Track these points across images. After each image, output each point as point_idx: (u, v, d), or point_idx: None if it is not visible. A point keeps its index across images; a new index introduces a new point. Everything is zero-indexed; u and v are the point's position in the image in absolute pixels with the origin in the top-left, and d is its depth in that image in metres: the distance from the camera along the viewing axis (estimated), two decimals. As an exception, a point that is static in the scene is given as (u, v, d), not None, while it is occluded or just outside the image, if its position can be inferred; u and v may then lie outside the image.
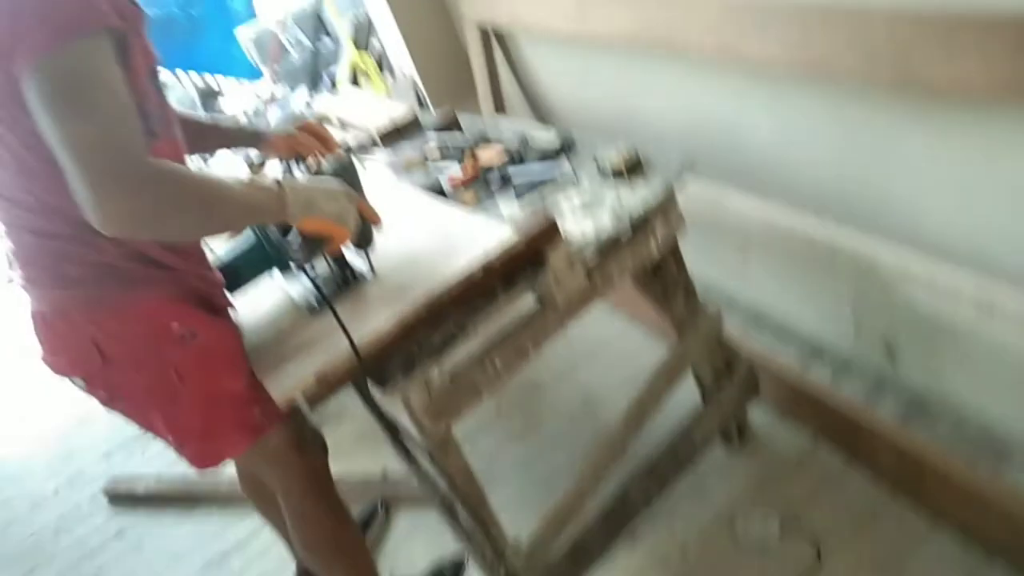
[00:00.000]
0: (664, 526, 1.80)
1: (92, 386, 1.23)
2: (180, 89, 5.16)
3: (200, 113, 1.56)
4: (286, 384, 1.20)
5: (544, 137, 1.78)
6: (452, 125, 2.05)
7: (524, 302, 1.34)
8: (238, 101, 6.23)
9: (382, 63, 3.71)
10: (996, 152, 1.31)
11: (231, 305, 1.35)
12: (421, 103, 3.08)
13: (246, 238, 1.38)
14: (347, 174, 1.32)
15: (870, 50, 1.33)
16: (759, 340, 2.10)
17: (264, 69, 5.32)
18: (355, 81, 3.73)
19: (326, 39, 5.14)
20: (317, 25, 4.92)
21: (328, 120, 2.52)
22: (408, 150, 2.03)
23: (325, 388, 1.20)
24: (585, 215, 1.45)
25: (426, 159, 1.91)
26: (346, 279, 1.40)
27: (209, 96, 5.52)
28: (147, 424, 1.30)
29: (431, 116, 2.17)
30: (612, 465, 1.60)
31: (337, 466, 1.58)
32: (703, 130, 1.96)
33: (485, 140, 1.87)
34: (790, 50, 1.48)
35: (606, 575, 1.73)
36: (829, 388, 1.82)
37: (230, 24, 5.50)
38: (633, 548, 1.78)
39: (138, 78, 1.07)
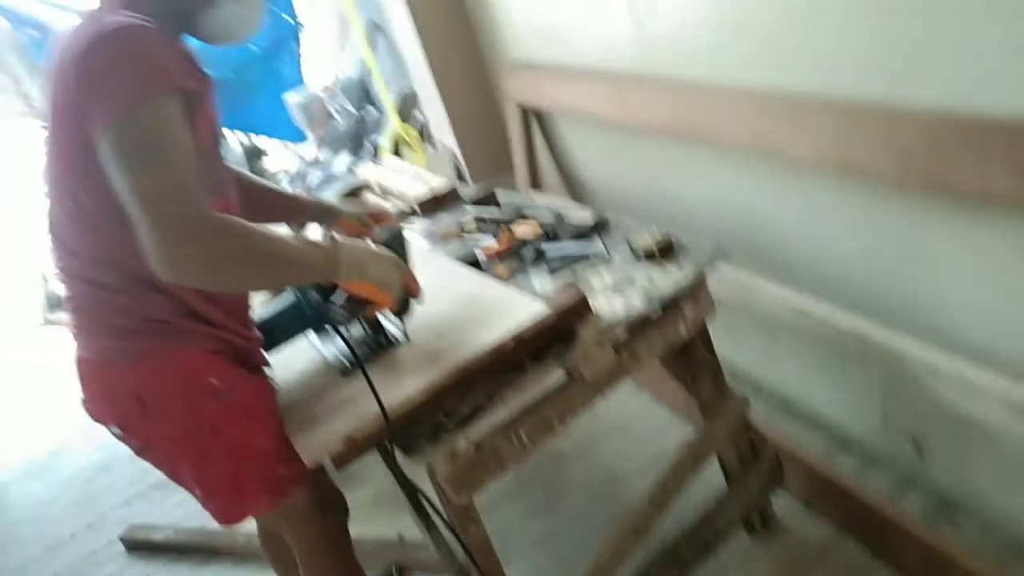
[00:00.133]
0: (683, 614, 1.75)
1: (128, 435, 1.26)
2: (227, 147, 5.37)
3: (273, 183, 1.64)
4: (315, 445, 1.22)
5: (579, 215, 1.83)
6: (489, 199, 2.11)
7: (552, 377, 1.36)
8: (281, 162, 6.45)
9: (424, 134, 3.84)
10: (1025, 258, 1.32)
11: (267, 363, 1.39)
12: (460, 176, 3.17)
13: (286, 298, 1.43)
14: (398, 245, 1.37)
15: (902, 152, 1.36)
16: (786, 428, 2.09)
17: (309, 133, 5.52)
18: (396, 151, 3.85)
19: (371, 108, 5.34)
20: (362, 95, 5.13)
21: (369, 187, 2.61)
22: (445, 221, 2.09)
23: (352, 451, 1.23)
24: (616, 294, 1.48)
25: (462, 230, 1.97)
26: (380, 343, 1.44)
27: (254, 155, 5.72)
28: (176, 475, 1.32)
29: (469, 189, 2.24)
30: (633, 546, 1.59)
31: (354, 529, 1.59)
32: (736, 218, 1.99)
33: (521, 215, 1.93)
34: (823, 148, 1.52)
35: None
36: (856, 480, 1.79)
37: (280, 89, 5.72)
38: (650, 635, 1.74)
39: (201, 139, 1.14)
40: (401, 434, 1.25)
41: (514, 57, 2.77)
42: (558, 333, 1.35)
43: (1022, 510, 1.58)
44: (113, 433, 1.26)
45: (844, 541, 1.79)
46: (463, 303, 1.47)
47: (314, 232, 1.65)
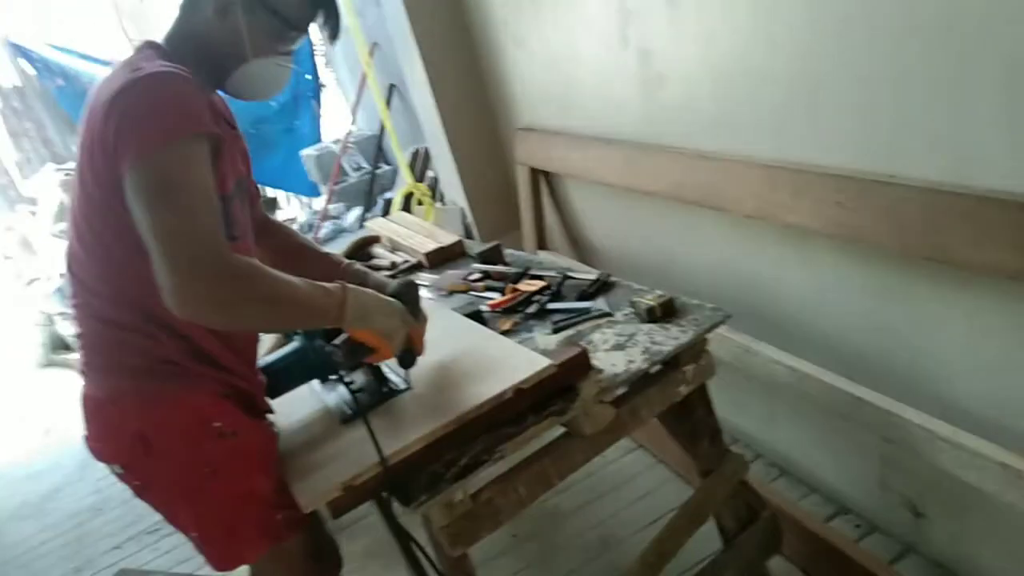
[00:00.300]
0: None
1: (129, 474, 1.27)
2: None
3: (315, 243, 1.66)
4: (312, 491, 1.22)
5: (584, 275, 1.86)
6: (496, 257, 2.15)
7: (552, 431, 1.38)
8: (294, 213, 6.55)
9: (435, 192, 3.92)
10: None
11: (271, 409, 1.41)
12: (468, 234, 3.23)
13: (291, 346, 1.45)
14: (409, 297, 1.39)
15: (901, 224, 1.40)
16: (784, 492, 2.08)
17: (322, 187, 5.63)
18: (408, 207, 3.93)
19: (384, 165, 5.45)
20: (377, 152, 5.24)
21: (379, 240, 2.66)
22: (452, 275, 2.13)
23: (350, 498, 1.23)
24: (618, 352, 1.50)
25: (469, 285, 2.00)
26: (382, 392, 1.45)
27: (268, 206, 5.82)
28: (174, 518, 1.33)
29: (477, 245, 2.28)
30: (627, 609, 1.57)
31: (346, 581, 1.58)
32: (738, 282, 2.03)
33: (527, 273, 1.96)
34: (825, 217, 1.57)
35: None
36: (853, 546, 1.78)
37: (297, 145, 5.86)
38: None
39: (226, 185, 1.19)
40: (399, 483, 1.26)
41: (526, 121, 2.85)
42: (559, 388, 1.36)
43: (1019, 582, 1.57)
44: (114, 472, 1.28)
45: (842, 611, 1.76)
46: (466, 355, 1.49)
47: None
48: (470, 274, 2.08)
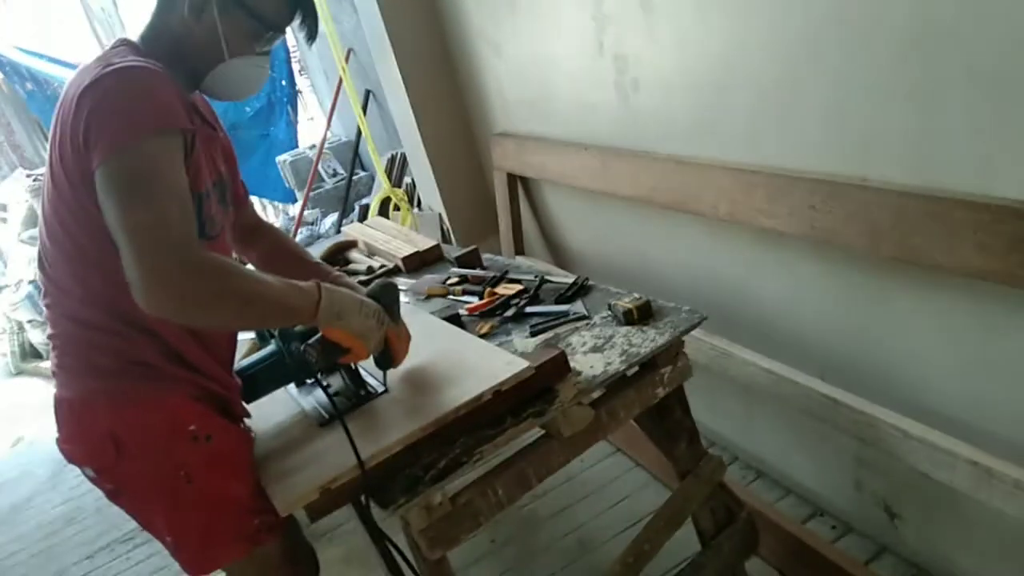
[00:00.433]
0: None
1: (101, 478, 1.25)
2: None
3: (304, 250, 1.65)
4: (289, 494, 1.21)
5: (561, 279, 1.87)
6: (474, 261, 2.15)
7: (530, 433, 1.38)
8: (269, 220, 6.49)
9: (411, 197, 3.91)
10: (994, 332, 1.37)
11: (247, 413, 1.39)
12: (446, 238, 3.23)
13: (268, 350, 1.44)
14: (388, 299, 1.38)
15: (875, 226, 1.42)
16: (760, 494, 2.10)
17: (298, 193, 5.60)
18: (384, 212, 3.92)
19: (360, 171, 5.44)
20: (353, 158, 5.23)
21: (355, 244, 2.65)
22: (430, 279, 2.13)
23: (328, 502, 1.22)
24: (595, 353, 1.50)
25: (447, 290, 2.00)
26: (359, 395, 1.44)
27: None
28: (148, 523, 1.31)
29: (454, 250, 2.28)
30: (605, 611, 1.57)
31: (324, 587, 1.57)
32: (714, 285, 2.05)
33: (505, 277, 1.96)
34: (798, 220, 1.59)
35: None
36: (829, 546, 1.80)
37: (273, 151, 5.83)
38: None
39: (201, 182, 1.18)
40: (377, 486, 1.25)
41: (502, 127, 2.86)
42: (537, 390, 1.37)
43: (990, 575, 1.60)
44: (87, 475, 1.25)
45: (818, 611, 1.78)
46: (444, 358, 1.49)
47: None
48: (448, 278, 2.08)
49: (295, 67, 6.45)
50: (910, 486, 1.68)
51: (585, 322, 1.66)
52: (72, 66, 5.72)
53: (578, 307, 1.72)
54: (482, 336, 1.68)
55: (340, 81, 4.51)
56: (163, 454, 1.22)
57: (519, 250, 2.95)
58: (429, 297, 2.00)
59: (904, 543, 1.79)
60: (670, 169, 1.95)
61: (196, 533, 1.29)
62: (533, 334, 1.66)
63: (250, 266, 1.60)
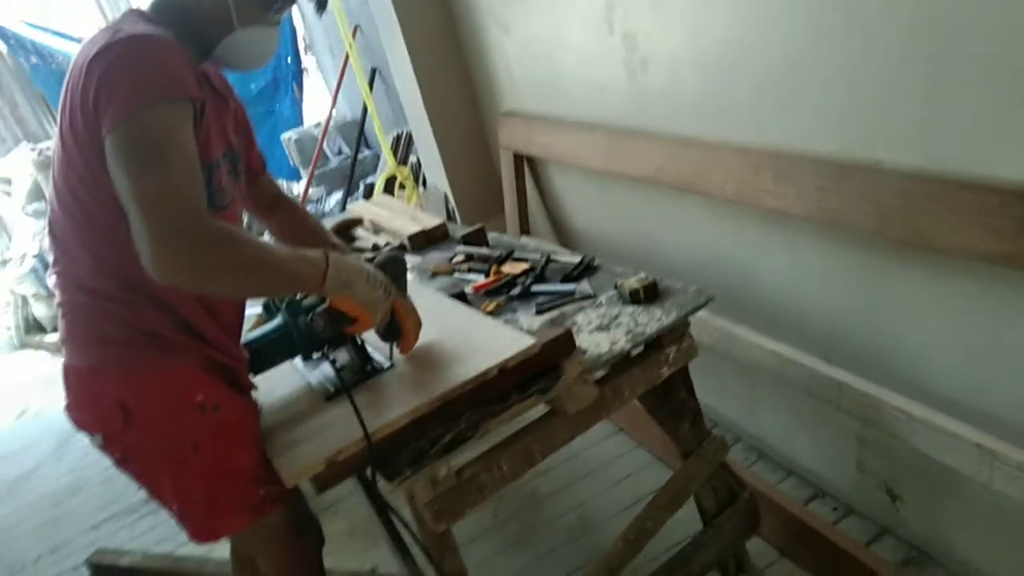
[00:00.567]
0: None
1: (109, 445, 1.26)
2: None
3: (322, 227, 1.66)
4: (296, 466, 1.22)
5: (568, 258, 1.87)
6: (480, 240, 2.15)
7: (535, 410, 1.38)
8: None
9: (417, 176, 3.90)
10: (1000, 316, 1.37)
11: (253, 386, 1.40)
12: (451, 217, 3.22)
13: (275, 323, 1.44)
14: (395, 271, 1.38)
15: (882, 209, 1.42)
16: (763, 475, 2.11)
17: (303, 171, 5.58)
18: (390, 190, 3.91)
19: (366, 150, 5.42)
20: (359, 136, 5.21)
21: (360, 222, 2.65)
22: (435, 257, 2.13)
23: (334, 474, 1.23)
24: (601, 332, 1.51)
25: (453, 268, 2.00)
26: (365, 370, 1.45)
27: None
28: (154, 490, 1.32)
29: (461, 229, 2.28)
30: (607, 586, 1.58)
31: (327, 560, 1.58)
32: (720, 267, 2.04)
33: (510, 255, 1.96)
34: (805, 201, 1.58)
35: None
36: (831, 527, 1.81)
37: (277, 128, 5.81)
38: None
39: (211, 152, 1.18)
40: (383, 459, 1.26)
41: (509, 106, 2.85)
42: (543, 367, 1.37)
43: (990, 560, 1.61)
44: (94, 443, 1.26)
45: (818, 590, 1.79)
46: (450, 334, 1.50)
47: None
48: (454, 256, 2.08)
49: (301, 44, 6.42)
50: (913, 468, 1.68)
51: (591, 301, 1.66)
52: (77, 40, 5.69)
53: (584, 286, 1.72)
54: (488, 314, 1.68)
55: (346, 58, 4.49)
56: (171, 423, 1.23)
57: (525, 230, 2.94)
58: (435, 275, 2.00)
59: (905, 525, 1.81)
60: (678, 149, 1.94)
61: (202, 501, 1.30)
62: (539, 312, 1.66)
63: (267, 236, 1.61)
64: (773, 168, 1.65)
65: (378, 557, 2.17)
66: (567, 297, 1.69)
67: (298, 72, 6.13)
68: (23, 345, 5.49)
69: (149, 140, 1.02)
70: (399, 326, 1.36)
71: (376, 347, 1.49)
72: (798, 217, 1.66)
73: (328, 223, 2.78)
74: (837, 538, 1.75)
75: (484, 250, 2.07)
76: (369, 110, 4.26)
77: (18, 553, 2.90)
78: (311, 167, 5.18)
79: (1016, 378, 1.38)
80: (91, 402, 1.24)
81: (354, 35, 4.51)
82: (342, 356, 1.49)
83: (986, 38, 1.18)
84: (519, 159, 2.88)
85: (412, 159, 4.23)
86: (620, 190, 2.37)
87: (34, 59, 6.07)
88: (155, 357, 1.21)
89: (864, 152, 1.47)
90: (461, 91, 3.07)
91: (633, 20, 1.96)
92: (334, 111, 5.22)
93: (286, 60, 5.85)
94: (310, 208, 5.16)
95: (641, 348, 1.50)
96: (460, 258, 2.05)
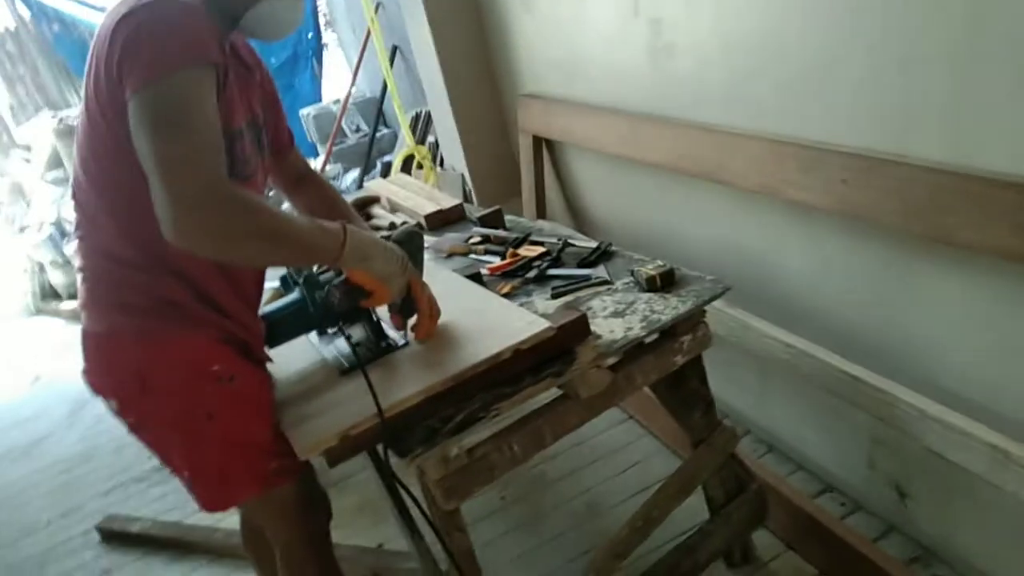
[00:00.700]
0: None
1: (124, 410, 1.27)
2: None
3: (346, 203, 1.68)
4: (309, 440, 1.23)
5: (584, 243, 1.86)
6: (496, 222, 2.14)
7: (548, 393, 1.38)
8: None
9: (435, 157, 3.89)
10: (1022, 316, 1.35)
11: (268, 359, 1.41)
12: (468, 199, 3.21)
13: (292, 296, 1.45)
14: (411, 245, 1.38)
15: (908, 203, 1.40)
16: (772, 468, 2.10)
17: (320, 147, 5.58)
18: (407, 169, 3.90)
19: (384, 128, 5.41)
20: (377, 114, 5.20)
21: (378, 200, 2.65)
22: (452, 237, 2.13)
23: (346, 449, 1.24)
24: (616, 318, 1.50)
25: (469, 249, 2.00)
26: (380, 347, 1.45)
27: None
28: (166, 457, 1.33)
29: (477, 209, 2.27)
30: (614, 571, 1.59)
31: (335, 535, 1.60)
32: (739, 258, 2.03)
33: (527, 238, 1.96)
34: (830, 194, 1.57)
35: None
36: (838, 522, 1.81)
37: (295, 104, 5.81)
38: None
39: (233, 120, 1.17)
40: (395, 436, 1.27)
41: (529, 88, 2.83)
42: (557, 351, 1.37)
43: (998, 561, 1.60)
44: (110, 407, 1.27)
45: (823, 583, 1.79)
46: (465, 315, 1.49)
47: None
48: (470, 237, 2.07)
49: (322, 21, 6.40)
50: (924, 466, 1.67)
51: (607, 287, 1.65)
52: (100, 9, 5.70)
53: (600, 272, 1.72)
54: (503, 296, 1.68)
55: (367, 35, 4.46)
56: (186, 392, 1.24)
57: (541, 214, 2.93)
58: (451, 255, 2.00)
59: (913, 523, 1.80)
60: (701, 137, 1.92)
61: (214, 470, 1.31)
62: (554, 296, 1.66)
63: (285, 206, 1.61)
64: (798, 159, 1.64)
65: (386, 533, 2.19)
66: (583, 282, 1.68)
67: (318, 48, 6.12)
68: (39, 311, 5.54)
69: (171, 105, 1.02)
70: (414, 303, 1.36)
71: (390, 326, 1.49)
72: (821, 209, 1.64)
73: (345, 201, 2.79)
74: (844, 533, 1.75)
75: (501, 232, 2.07)
76: (389, 88, 4.23)
77: (30, 516, 2.95)
78: (329, 144, 5.18)
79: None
80: (108, 368, 1.25)
81: (376, 12, 4.48)
82: (357, 332, 1.49)
83: (1021, 30, 1.15)
84: (538, 141, 2.87)
85: (430, 139, 4.21)
86: (639, 176, 2.35)
87: (56, 27, 6.10)
88: (173, 326, 1.22)
89: (891, 145, 1.45)
90: (481, 71, 3.05)
91: (660, 5, 1.94)
92: (353, 88, 5.20)
93: (306, 36, 5.85)
94: (326, 185, 5.16)
95: (656, 336, 1.49)
96: (476, 239, 2.04)
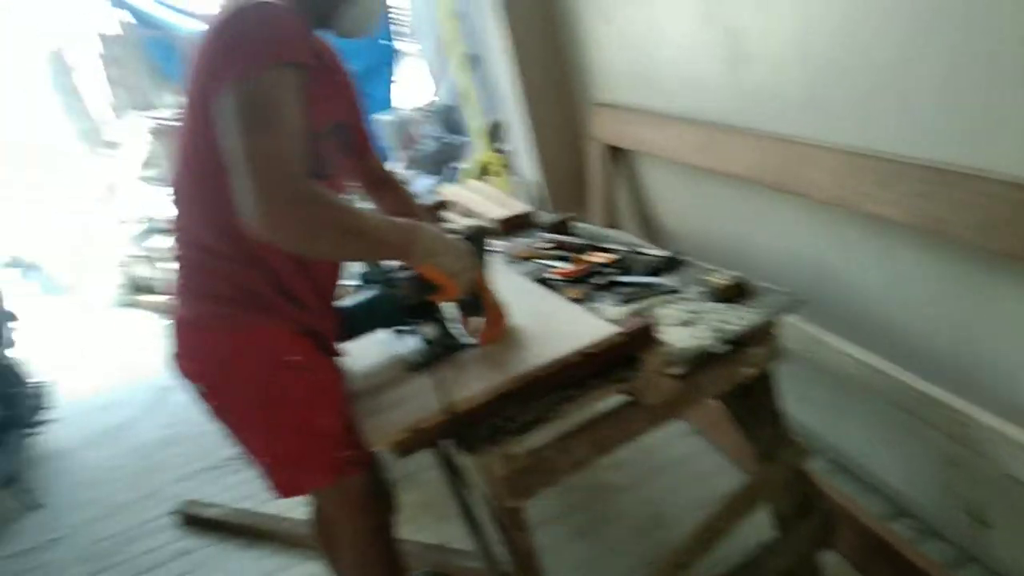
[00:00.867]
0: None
1: (208, 396, 1.34)
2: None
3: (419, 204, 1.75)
4: (380, 432, 1.27)
5: (654, 252, 1.86)
6: (567, 229, 2.16)
7: (614, 399, 1.39)
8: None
9: (507, 164, 3.93)
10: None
11: (341, 352, 1.46)
12: (538, 205, 3.24)
13: (368, 293, 1.50)
14: (479, 243, 1.42)
15: (989, 219, 1.36)
16: (842, 488, 2.05)
17: (395, 153, 5.70)
18: (480, 176, 3.96)
19: (459, 135, 5.49)
20: (452, 120, 5.28)
21: (450, 205, 2.70)
22: (522, 243, 2.15)
23: (415, 442, 1.27)
24: (685, 328, 1.50)
25: (539, 254, 2.02)
26: (449, 346, 1.49)
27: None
28: (246, 442, 1.39)
29: (547, 216, 2.29)
30: (674, 582, 1.58)
31: (398, 530, 1.63)
32: (814, 271, 1.99)
33: (596, 246, 1.96)
34: (908, 208, 1.53)
35: None
36: (910, 547, 1.75)
37: (371, 110, 5.95)
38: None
39: (318, 121, 1.23)
40: (461, 433, 1.29)
41: (602, 97, 2.84)
42: (623, 357, 1.37)
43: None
44: (199, 391, 1.34)
45: (892, 610, 1.74)
46: (533, 317, 1.51)
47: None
48: (540, 243, 2.09)
49: (401, 30, 6.55)
50: (1003, 493, 1.61)
51: (676, 295, 1.65)
52: (195, 16, 5.98)
53: (670, 280, 1.71)
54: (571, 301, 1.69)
55: (446, 44, 4.55)
56: (266, 380, 1.30)
57: (611, 222, 2.93)
58: (520, 260, 2.03)
59: (990, 553, 1.73)
60: (777, 147, 1.90)
61: (290, 458, 1.37)
62: (622, 303, 1.66)
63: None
64: (875, 172, 1.60)
65: (449, 531, 2.22)
66: (652, 290, 1.68)
67: (392, 55, 6.27)
68: (129, 304, 5.82)
69: (260, 100, 1.08)
70: (478, 302, 1.40)
71: (459, 326, 1.52)
72: (898, 223, 1.60)
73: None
74: (916, 558, 1.69)
75: (570, 239, 2.08)
76: (465, 96, 4.30)
77: (111, 496, 3.10)
78: (404, 150, 5.29)
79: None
80: (197, 353, 1.32)
81: (456, 21, 4.56)
82: (428, 331, 1.53)
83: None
84: (609, 150, 2.88)
85: (503, 147, 4.26)
86: (714, 186, 2.33)
87: (151, 31, 6.41)
88: (256, 316, 1.28)
89: (973, 159, 1.41)
90: (555, 81, 3.08)
91: (736, 14, 1.93)
92: (431, 96, 5.30)
93: (382, 43, 6.00)
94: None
95: (726, 347, 1.48)
96: (546, 245, 2.06)
